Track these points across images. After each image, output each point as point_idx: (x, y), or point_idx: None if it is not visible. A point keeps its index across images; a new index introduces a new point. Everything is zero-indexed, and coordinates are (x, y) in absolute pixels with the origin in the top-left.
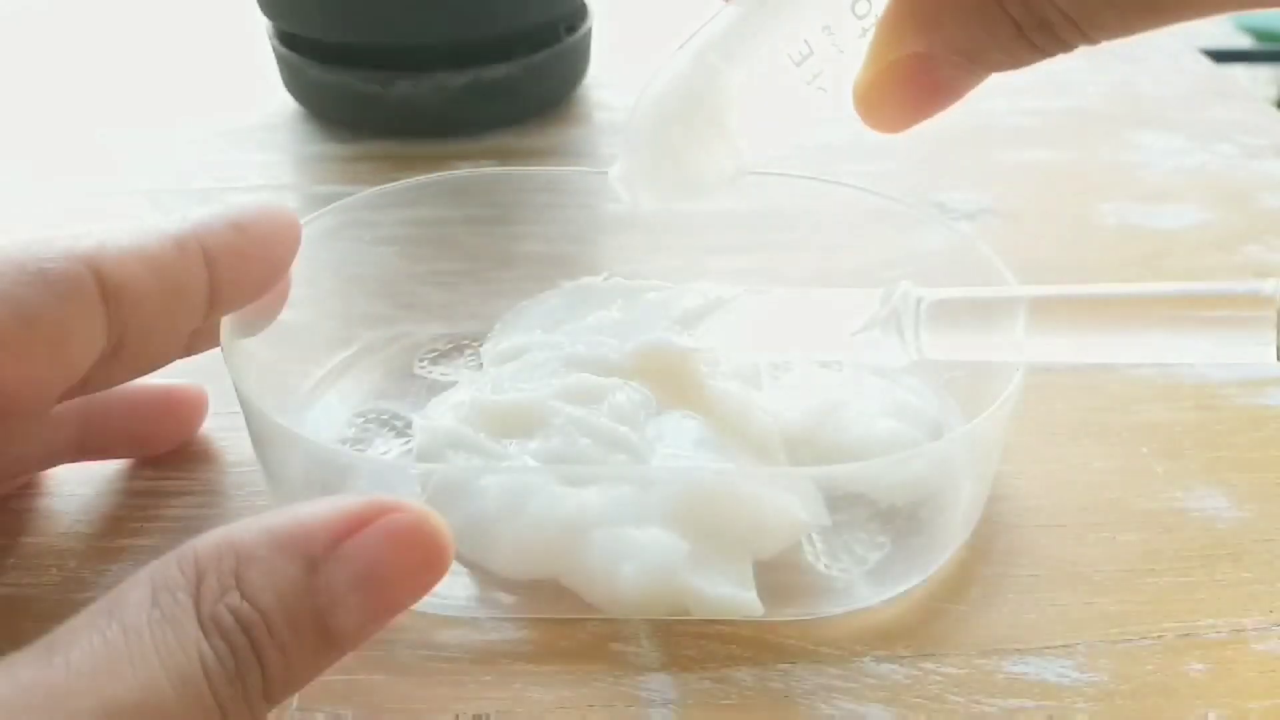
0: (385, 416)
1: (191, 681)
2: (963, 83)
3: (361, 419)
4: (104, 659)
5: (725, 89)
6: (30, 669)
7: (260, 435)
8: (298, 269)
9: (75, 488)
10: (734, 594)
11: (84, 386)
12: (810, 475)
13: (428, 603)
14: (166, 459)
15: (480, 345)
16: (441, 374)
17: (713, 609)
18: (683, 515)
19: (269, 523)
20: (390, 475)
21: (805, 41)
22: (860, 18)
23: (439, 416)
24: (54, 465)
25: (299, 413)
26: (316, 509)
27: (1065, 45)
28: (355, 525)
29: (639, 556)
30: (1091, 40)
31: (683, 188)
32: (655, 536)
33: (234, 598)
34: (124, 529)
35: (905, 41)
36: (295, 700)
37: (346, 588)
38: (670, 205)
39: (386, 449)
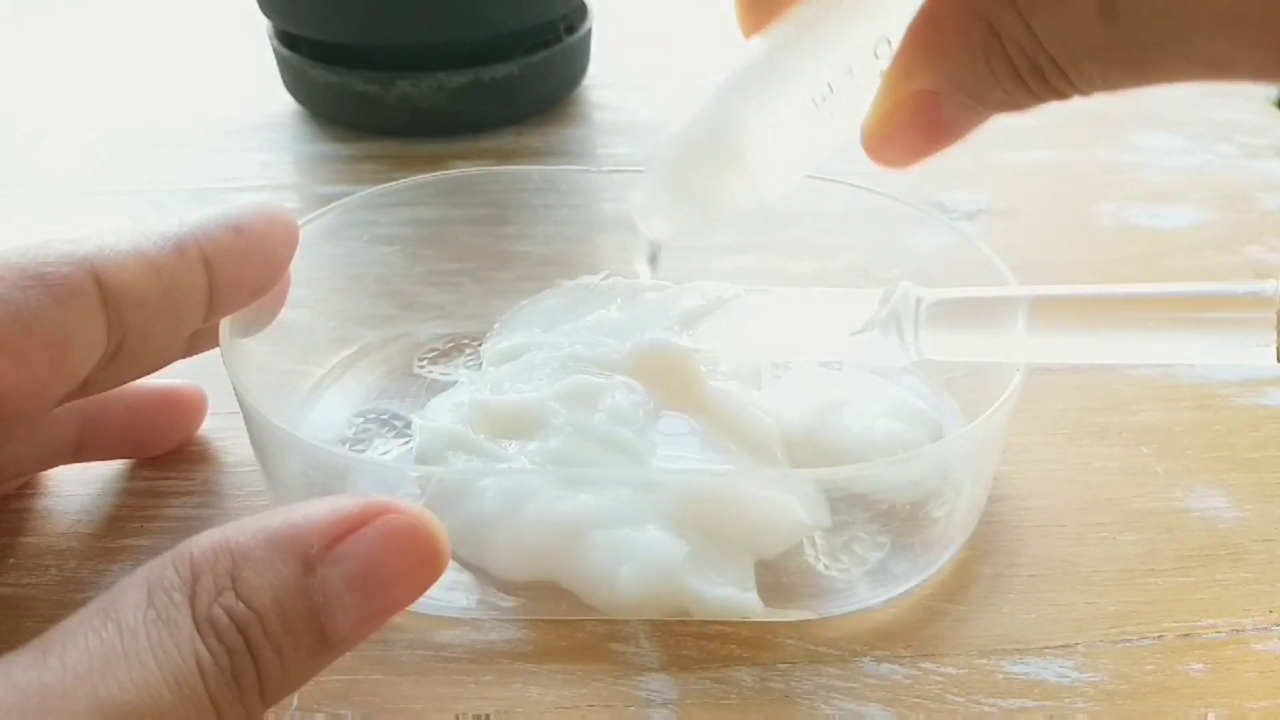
0: (385, 416)
1: (187, 682)
2: (966, 121)
3: (361, 419)
4: (99, 659)
5: (748, 128)
6: (25, 670)
7: (259, 436)
8: (297, 269)
9: (75, 488)
10: (734, 595)
11: (84, 388)
12: (811, 476)
13: (427, 604)
14: (166, 459)
15: (480, 345)
16: (441, 374)
17: (713, 610)
18: (683, 516)
19: (265, 523)
20: (389, 477)
21: (828, 84)
22: (879, 59)
23: (438, 417)
24: (53, 465)
25: (299, 413)
26: (312, 509)
27: (1058, 93)
28: (351, 526)
29: (638, 558)
30: (1081, 91)
31: (699, 221)
32: (654, 538)
33: (229, 598)
34: (124, 529)
35: (914, 79)
36: (295, 700)
37: (342, 588)
38: (683, 235)
39: (386, 449)
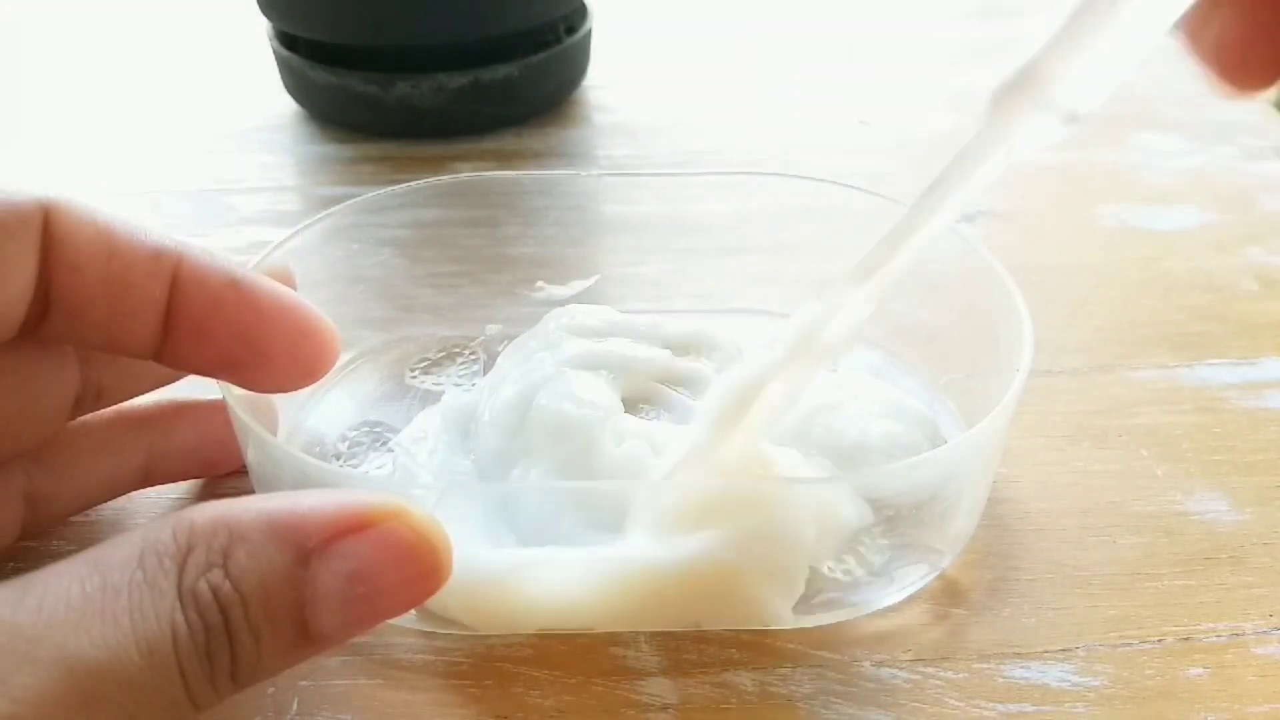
0: (379, 429)
1: (159, 651)
2: None
3: (362, 423)
4: (76, 611)
5: None
6: (1, 606)
7: (253, 451)
8: (298, 273)
9: None
10: (783, 607)
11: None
12: (825, 483)
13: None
14: None
15: (474, 342)
16: (434, 384)
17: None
18: (740, 526)
19: (269, 506)
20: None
21: None
22: None
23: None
24: (122, 494)
25: (299, 415)
26: (319, 501)
27: None
28: (355, 525)
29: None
30: None
31: None
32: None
33: (217, 575)
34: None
35: None
36: (295, 704)
37: (332, 587)
38: None
39: (380, 464)
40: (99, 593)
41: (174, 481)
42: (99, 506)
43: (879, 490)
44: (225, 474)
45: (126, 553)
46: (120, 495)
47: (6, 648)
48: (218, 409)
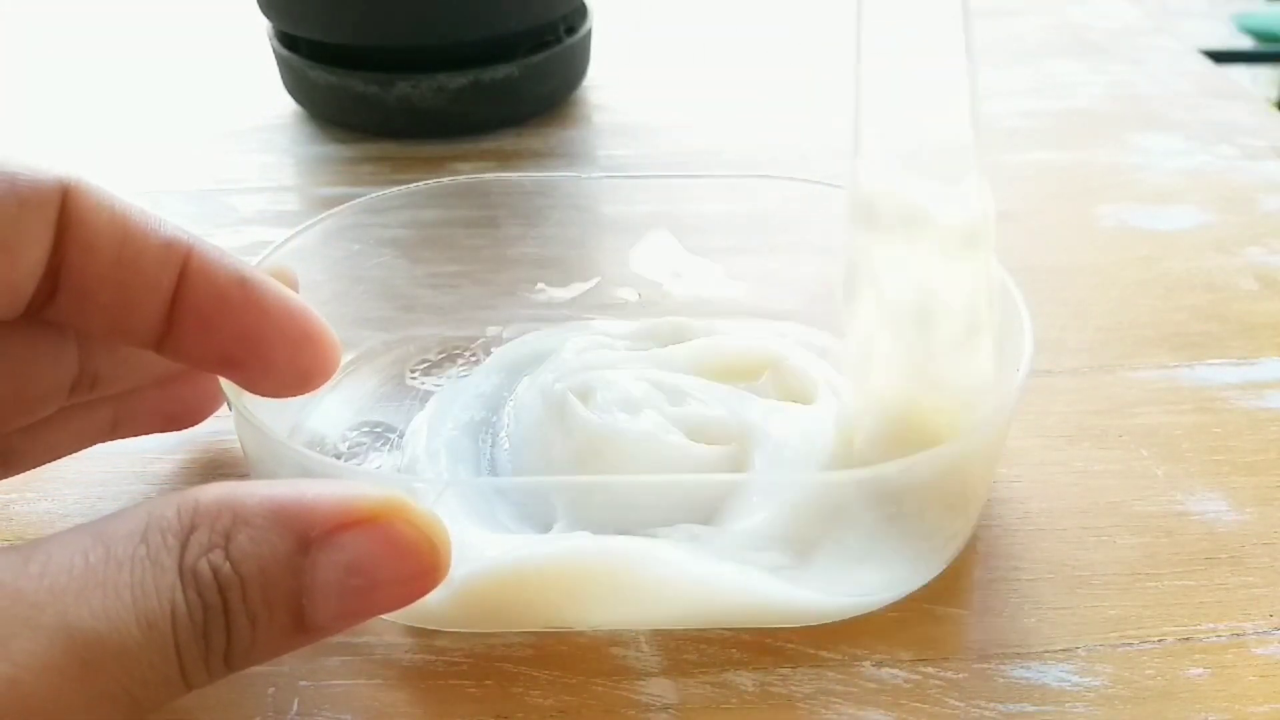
0: (379, 429)
1: (158, 627)
2: None
3: (363, 423)
4: (78, 581)
5: None
6: (3, 570)
7: (252, 445)
8: (299, 274)
9: (75, 490)
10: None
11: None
12: (832, 479)
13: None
14: (166, 462)
15: (475, 344)
16: (434, 384)
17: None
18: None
19: (274, 492)
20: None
21: None
22: None
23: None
24: (88, 446)
25: (298, 415)
26: (324, 491)
27: None
28: (357, 518)
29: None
30: None
31: None
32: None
33: (218, 556)
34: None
35: None
36: (295, 704)
37: (330, 578)
38: None
39: (379, 464)
40: (102, 564)
41: (139, 435)
42: (93, 517)
43: (880, 489)
44: (153, 460)
45: (131, 526)
46: (87, 448)
47: (8, 612)
48: (182, 369)
